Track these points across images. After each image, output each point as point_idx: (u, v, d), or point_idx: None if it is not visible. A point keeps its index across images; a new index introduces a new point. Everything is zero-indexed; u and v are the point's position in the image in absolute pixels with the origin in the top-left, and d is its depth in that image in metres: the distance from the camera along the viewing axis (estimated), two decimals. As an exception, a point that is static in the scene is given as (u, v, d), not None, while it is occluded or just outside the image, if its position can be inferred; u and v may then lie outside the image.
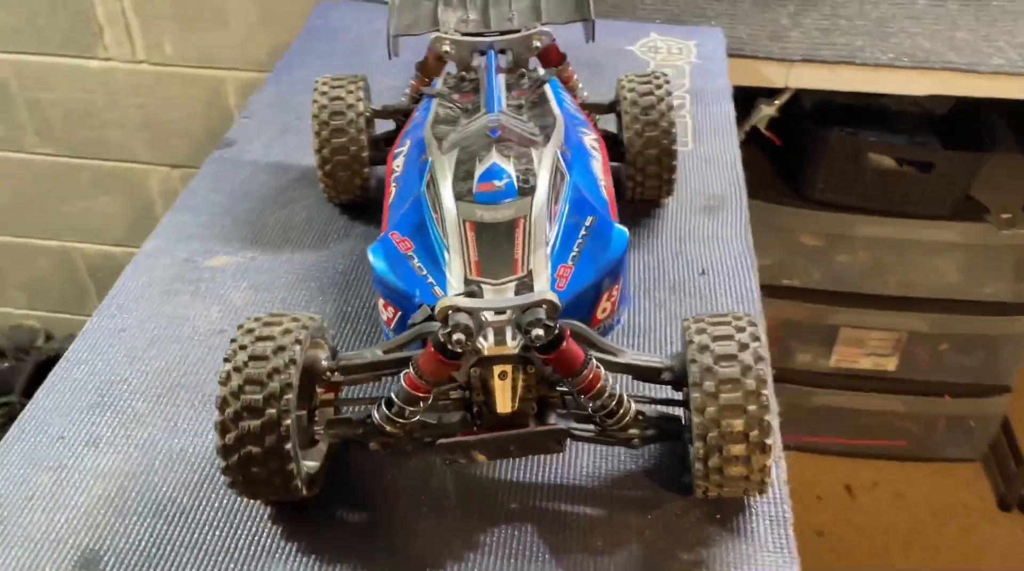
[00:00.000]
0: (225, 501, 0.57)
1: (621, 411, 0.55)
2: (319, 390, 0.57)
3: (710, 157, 0.90)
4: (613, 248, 0.60)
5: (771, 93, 1.23)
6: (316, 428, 0.56)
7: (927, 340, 1.66)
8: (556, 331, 0.51)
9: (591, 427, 0.56)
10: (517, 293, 0.58)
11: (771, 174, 1.51)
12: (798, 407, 1.76)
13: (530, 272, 0.59)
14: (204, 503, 0.57)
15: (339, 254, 0.77)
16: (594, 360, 0.53)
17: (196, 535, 0.56)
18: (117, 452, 0.60)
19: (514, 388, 0.54)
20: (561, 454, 0.60)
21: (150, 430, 0.62)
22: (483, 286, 0.59)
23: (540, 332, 0.50)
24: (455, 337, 0.50)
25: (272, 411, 0.51)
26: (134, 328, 0.70)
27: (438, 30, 0.78)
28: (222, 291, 0.73)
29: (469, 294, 0.58)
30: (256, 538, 0.56)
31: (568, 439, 0.54)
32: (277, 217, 0.82)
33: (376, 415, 0.54)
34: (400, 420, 0.54)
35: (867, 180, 1.43)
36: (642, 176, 0.79)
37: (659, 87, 0.78)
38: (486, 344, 0.53)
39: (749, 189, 1.46)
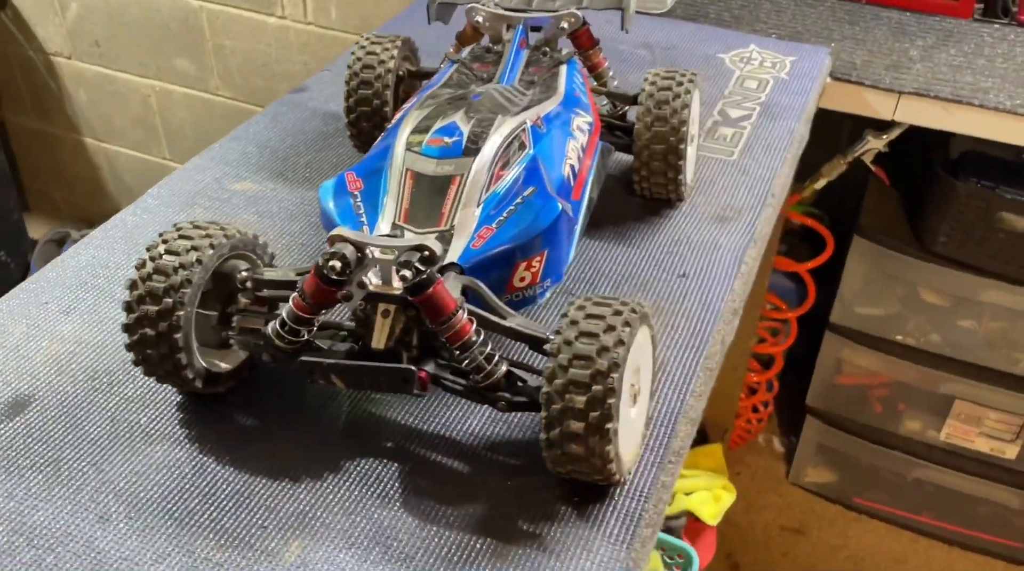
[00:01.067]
0: (151, 383, 0.64)
1: (489, 368, 0.55)
2: (244, 299, 0.61)
3: (749, 170, 0.87)
4: (539, 220, 0.61)
5: (884, 125, 1.16)
6: (230, 332, 0.61)
7: (1057, 433, 1.48)
8: (424, 276, 0.53)
9: (462, 381, 0.57)
10: (434, 244, 0.60)
11: (894, 217, 1.41)
12: (898, 476, 1.63)
13: (453, 227, 0.61)
14: (131, 380, 0.64)
15: (348, 198, 0.82)
16: (465, 313, 0.55)
17: (112, 404, 0.62)
18: (83, 323, 0.68)
19: (392, 327, 0.56)
20: (455, 410, 0.62)
21: (118, 311, 0.69)
22: (406, 232, 0.61)
23: (408, 273, 0.53)
24: (331, 263, 0.53)
25: (169, 301, 0.56)
26: (145, 227, 0.78)
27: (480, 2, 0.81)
28: (232, 211, 0.80)
29: (393, 238, 0.61)
30: (157, 419, 0.61)
31: (422, 383, 0.56)
32: (310, 158, 0.88)
33: (269, 329, 0.58)
34: (289, 337, 0.58)
35: (998, 241, 1.30)
36: (647, 171, 0.78)
37: (679, 84, 0.76)
38: (374, 281, 0.55)
39: (865, 230, 1.38)
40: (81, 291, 0.71)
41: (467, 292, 0.59)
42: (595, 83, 0.84)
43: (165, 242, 0.58)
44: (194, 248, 0.58)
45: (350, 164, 0.86)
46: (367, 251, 0.54)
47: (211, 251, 0.58)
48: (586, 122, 0.73)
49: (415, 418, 0.62)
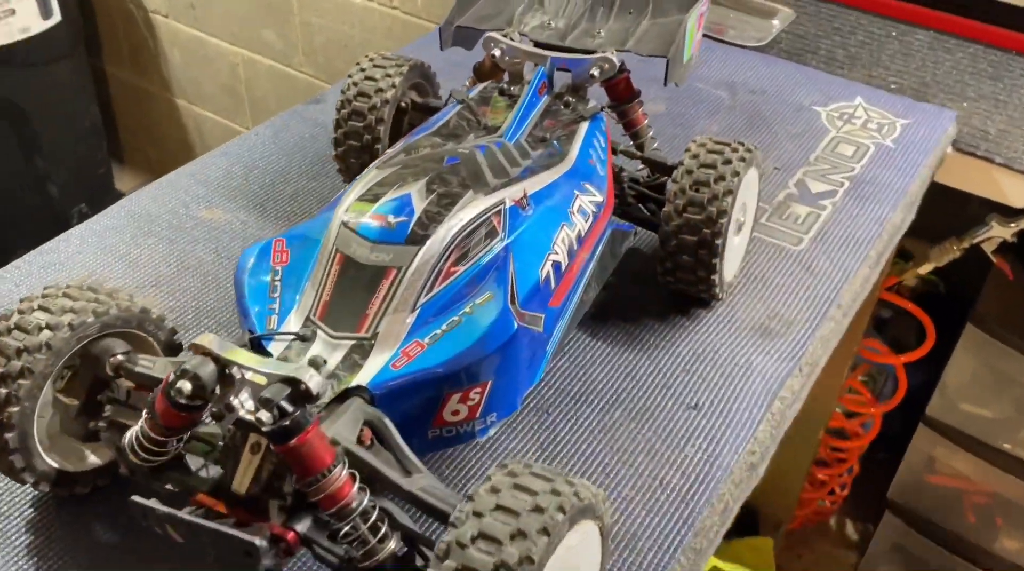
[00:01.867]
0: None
1: (372, 545, 0.42)
2: (125, 384, 0.50)
3: (817, 268, 0.70)
4: (484, 343, 0.47)
5: (1014, 212, 0.95)
6: (100, 425, 0.50)
7: None
8: (287, 422, 0.40)
9: (339, 552, 0.44)
10: (347, 356, 0.47)
11: (1018, 309, 1.18)
12: (986, 596, 1.41)
13: (376, 335, 0.48)
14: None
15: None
16: (344, 469, 0.41)
17: (-38, 485, 0.52)
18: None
19: (260, 468, 0.43)
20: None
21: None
22: (318, 333, 0.48)
23: (266, 416, 0.40)
24: (179, 384, 0.41)
25: (2, 391, 0.45)
26: (84, 255, 0.68)
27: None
28: (188, 246, 0.69)
29: (301, 338, 0.49)
30: (2, 518, 0.51)
31: (287, 548, 0.43)
32: (298, 188, 0.76)
33: (125, 440, 0.47)
34: (143, 455, 0.46)
35: None
36: (672, 263, 0.62)
37: (727, 162, 0.60)
38: (247, 405, 0.43)
39: (982, 319, 1.17)
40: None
41: (372, 426, 0.45)
42: (631, 143, 0.69)
43: (20, 313, 0.47)
44: (48, 326, 0.46)
45: (339, 201, 0.74)
46: (232, 371, 0.42)
47: (68, 332, 0.47)
48: (593, 202, 0.58)
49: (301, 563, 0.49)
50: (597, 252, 0.59)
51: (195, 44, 1.98)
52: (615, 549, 0.50)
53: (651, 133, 0.69)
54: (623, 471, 0.54)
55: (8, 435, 0.46)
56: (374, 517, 0.42)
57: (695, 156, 0.61)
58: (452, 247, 0.50)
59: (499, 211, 0.52)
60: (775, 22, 1.03)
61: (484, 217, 0.51)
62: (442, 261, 0.49)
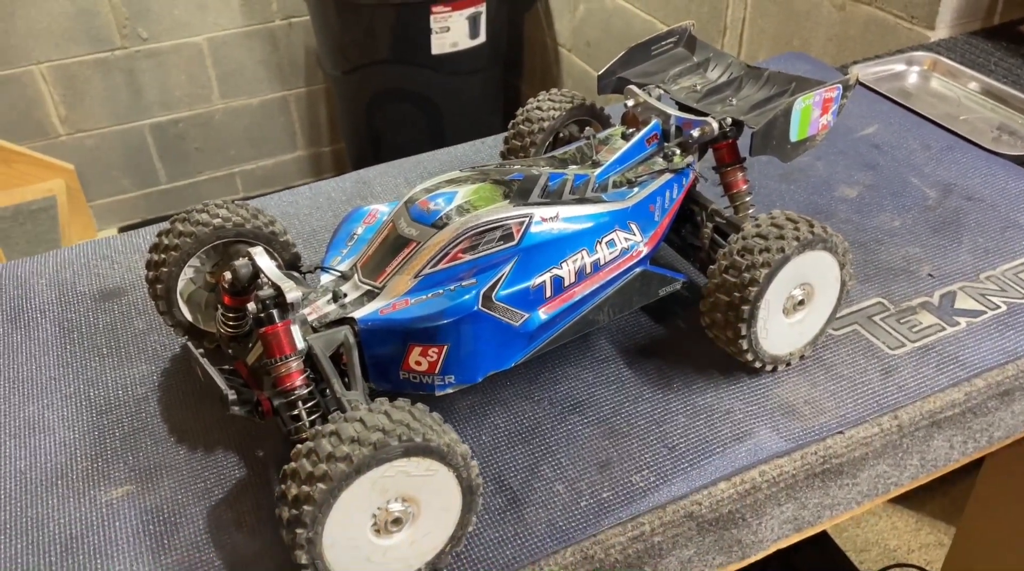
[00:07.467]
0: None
1: (302, 423, 0.56)
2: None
3: (898, 376, 0.67)
4: (443, 313, 0.58)
5: None
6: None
7: None
8: (262, 314, 0.55)
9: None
10: (361, 296, 0.62)
11: None
12: None
13: (384, 288, 0.61)
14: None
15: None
16: (296, 364, 0.56)
17: (153, 321, 0.76)
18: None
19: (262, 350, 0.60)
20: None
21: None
22: (355, 276, 0.63)
23: (255, 306, 0.56)
24: (225, 273, 0.59)
25: (163, 256, 0.67)
26: (309, 199, 0.90)
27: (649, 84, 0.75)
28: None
29: (343, 276, 0.64)
30: (163, 346, 0.74)
31: (262, 412, 0.57)
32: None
33: (219, 311, 0.66)
34: (222, 324, 0.64)
35: None
36: (710, 319, 0.66)
37: (780, 238, 0.62)
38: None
39: None
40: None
41: (346, 349, 0.59)
42: (728, 204, 0.72)
43: (195, 211, 0.69)
44: (200, 222, 0.67)
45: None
46: (261, 277, 0.59)
47: (211, 230, 0.67)
48: (628, 241, 0.65)
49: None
50: (618, 283, 0.65)
51: (585, 76, 2.23)
52: (513, 520, 0.58)
53: (749, 199, 0.72)
54: (569, 472, 0.61)
55: (158, 285, 0.67)
56: (310, 404, 0.56)
57: (758, 225, 0.64)
58: (462, 238, 0.61)
59: (522, 222, 0.62)
60: (1051, 136, 0.94)
61: (504, 222, 0.62)
62: (451, 246, 0.61)
